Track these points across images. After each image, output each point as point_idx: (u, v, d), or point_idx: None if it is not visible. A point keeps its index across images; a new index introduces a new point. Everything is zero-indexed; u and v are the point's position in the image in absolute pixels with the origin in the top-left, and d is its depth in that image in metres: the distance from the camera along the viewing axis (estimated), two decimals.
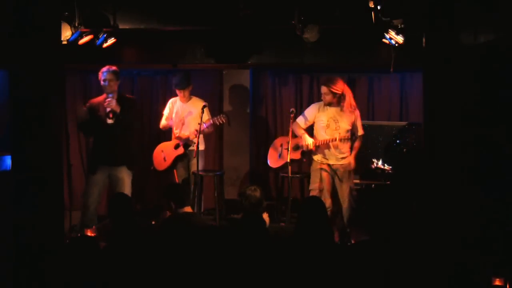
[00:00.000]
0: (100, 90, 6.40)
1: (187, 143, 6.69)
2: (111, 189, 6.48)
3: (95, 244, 3.78)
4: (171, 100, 6.91)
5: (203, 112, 6.52)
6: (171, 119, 6.86)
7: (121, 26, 5.91)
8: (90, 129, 6.51)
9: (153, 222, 6.49)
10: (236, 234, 4.05)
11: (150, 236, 4.60)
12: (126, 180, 6.38)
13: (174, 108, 6.84)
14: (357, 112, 6.24)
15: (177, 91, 6.75)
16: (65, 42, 5.57)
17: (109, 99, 6.19)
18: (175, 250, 4.00)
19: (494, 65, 4.42)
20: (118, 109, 6.23)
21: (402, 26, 5.45)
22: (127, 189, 6.35)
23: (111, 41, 6.06)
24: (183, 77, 6.72)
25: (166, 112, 6.91)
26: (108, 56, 6.37)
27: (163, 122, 6.92)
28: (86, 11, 5.68)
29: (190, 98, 6.80)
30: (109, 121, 6.26)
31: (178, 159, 6.73)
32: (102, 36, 5.92)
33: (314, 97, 7.61)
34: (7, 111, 4.42)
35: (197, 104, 6.69)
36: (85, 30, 5.75)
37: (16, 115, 4.37)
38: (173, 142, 6.77)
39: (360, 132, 6.25)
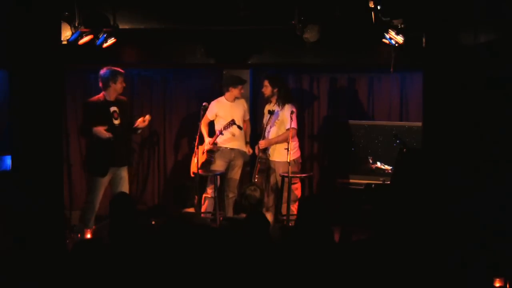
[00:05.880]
0: (99, 90, 6.36)
1: (212, 149, 6.74)
2: (111, 188, 6.43)
3: (102, 245, 3.76)
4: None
5: (203, 112, 6.50)
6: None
7: (121, 26, 5.90)
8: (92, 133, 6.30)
9: (153, 222, 6.48)
10: (240, 233, 4.04)
11: (150, 236, 4.59)
12: (126, 179, 6.40)
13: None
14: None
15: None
16: (65, 42, 5.57)
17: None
18: (176, 250, 4.00)
19: (494, 65, 4.42)
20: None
21: (402, 26, 5.45)
22: (127, 187, 6.37)
23: (111, 41, 6.06)
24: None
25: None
26: (108, 56, 6.37)
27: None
28: (86, 11, 5.67)
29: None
30: (115, 122, 6.25)
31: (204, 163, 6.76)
32: (102, 36, 5.91)
33: (314, 97, 7.62)
34: (7, 111, 4.42)
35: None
36: (85, 30, 5.74)
37: (16, 115, 4.37)
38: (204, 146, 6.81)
39: None
